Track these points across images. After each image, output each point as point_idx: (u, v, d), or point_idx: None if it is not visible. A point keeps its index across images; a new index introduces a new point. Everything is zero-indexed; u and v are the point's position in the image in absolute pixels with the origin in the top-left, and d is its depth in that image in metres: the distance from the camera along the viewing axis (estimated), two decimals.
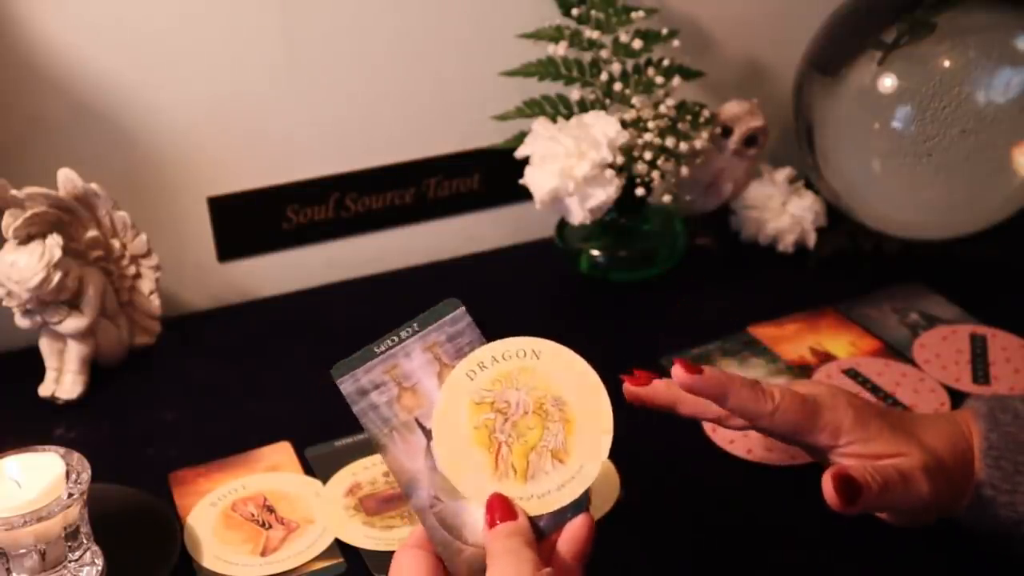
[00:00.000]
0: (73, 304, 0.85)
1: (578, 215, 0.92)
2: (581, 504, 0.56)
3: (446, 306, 0.60)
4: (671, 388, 0.64)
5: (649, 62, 0.96)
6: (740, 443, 0.78)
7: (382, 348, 0.59)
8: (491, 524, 0.55)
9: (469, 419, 0.57)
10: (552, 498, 0.56)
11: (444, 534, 0.56)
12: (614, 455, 0.71)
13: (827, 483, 0.59)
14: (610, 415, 0.57)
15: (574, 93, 0.96)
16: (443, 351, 0.59)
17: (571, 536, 0.55)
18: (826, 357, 0.88)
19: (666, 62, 0.96)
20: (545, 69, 0.96)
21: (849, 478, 0.58)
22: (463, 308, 0.60)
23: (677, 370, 0.61)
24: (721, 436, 0.79)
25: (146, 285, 0.91)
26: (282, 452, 0.80)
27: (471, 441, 0.57)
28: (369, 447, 0.79)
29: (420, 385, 0.58)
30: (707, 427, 0.80)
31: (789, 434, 0.63)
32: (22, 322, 0.84)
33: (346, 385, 0.59)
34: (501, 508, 0.55)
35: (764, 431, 0.63)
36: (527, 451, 0.57)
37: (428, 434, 0.57)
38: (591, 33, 0.95)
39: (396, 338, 0.59)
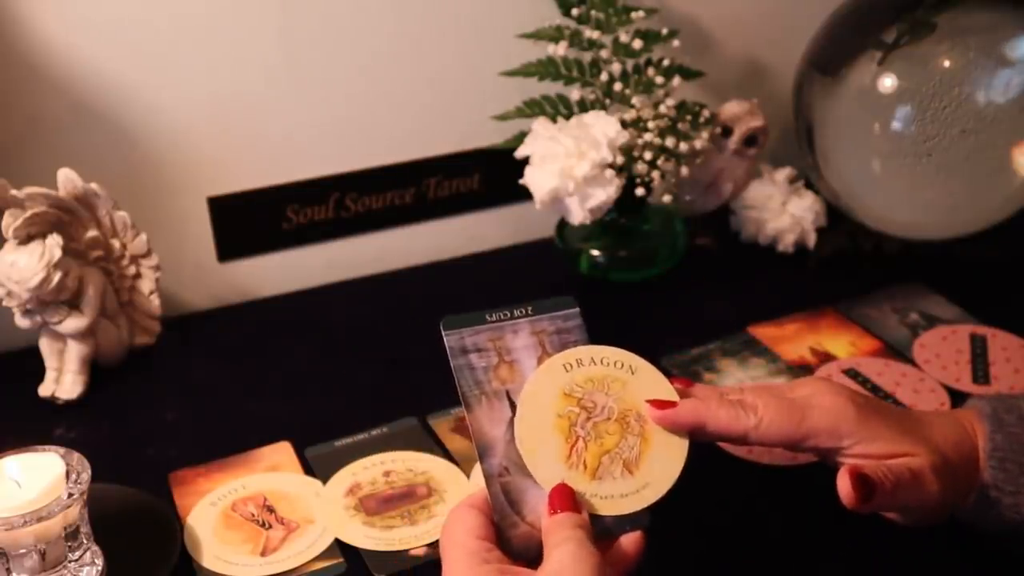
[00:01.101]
0: (73, 304, 0.85)
1: (578, 215, 0.92)
2: (640, 521, 0.57)
3: (563, 301, 0.62)
4: (692, 409, 0.61)
5: (649, 62, 0.96)
6: None
7: (493, 318, 0.61)
8: (553, 511, 0.55)
9: (555, 406, 0.59)
10: (613, 503, 0.57)
11: (505, 504, 0.57)
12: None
13: (843, 480, 0.59)
14: (686, 447, 0.59)
15: (574, 93, 0.96)
16: (548, 340, 0.61)
17: (623, 549, 0.56)
18: (826, 357, 0.88)
19: (666, 62, 0.96)
20: (545, 69, 0.96)
21: (864, 476, 0.58)
22: (578, 309, 0.62)
23: (651, 409, 0.60)
24: None
25: (146, 285, 0.91)
26: (282, 452, 0.80)
27: (552, 427, 0.58)
28: (369, 447, 0.80)
29: (519, 363, 0.60)
30: None
31: (783, 444, 0.62)
32: (22, 322, 0.84)
33: (451, 339, 0.60)
34: (566, 498, 0.56)
35: (759, 445, 0.62)
36: (601, 452, 0.58)
37: (515, 408, 0.59)
38: (591, 33, 0.95)
39: (508, 313, 0.62)
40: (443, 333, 0.60)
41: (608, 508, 0.57)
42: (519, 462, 0.58)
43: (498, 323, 0.61)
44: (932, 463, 0.61)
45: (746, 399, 0.61)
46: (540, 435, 0.58)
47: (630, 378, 0.61)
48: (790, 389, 0.64)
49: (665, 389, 0.61)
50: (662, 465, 0.59)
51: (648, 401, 0.60)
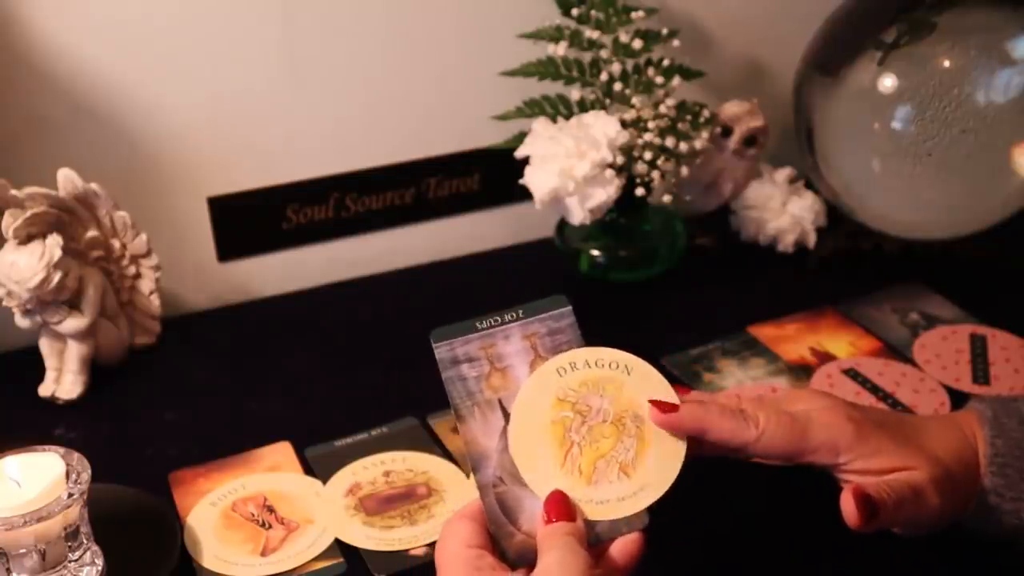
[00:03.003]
0: (73, 304, 0.85)
1: (578, 215, 0.92)
2: (637, 523, 0.57)
3: (553, 301, 0.61)
4: (695, 414, 0.60)
5: (649, 62, 0.96)
6: None
7: (484, 325, 0.60)
8: (548, 519, 0.55)
9: (549, 412, 0.58)
10: (609, 508, 0.57)
11: (500, 515, 0.57)
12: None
13: (848, 502, 0.58)
14: (684, 448, 0.58)
15: (574, 93, 0.96)
16: (541, 343, 0.60)
17: (620, 551, 0.56)
18: (826, 357, 0.88)
19: (666, 62, 0.96)
20: (545, 69, 0.96)
21: (868, 496, 0.58)
22: (570, 307, 0.61)
23: (652, 411, 0.59)
24: None
25: (146, 285, 0.91)
26: (282, 452, 0.80)
27: (546, 433, 0.58)
28: (369, 447, 0.80)
29: (511, 370, 0.59)
30: None
31: (781, 458, 0.61)
32: (22, 322, 0.84)
33: (441, 351, 0.59)
34: (561, 506, 0.56)
35: (755, 458, 0.61)
36: (596, 457, 0.58)
37: (508, 417, 0.58)
38: (591, 33, 0.95)
39: (498, 319, 0.60)
40: (433, 345, 0.60)
41: (605, 513, 0.57)
42: (514, 472, 0.57)
43: (488, 330, 0.60)
44: (932, 476, 0.60)
45: (747, 410, 0.60)
46: (534, 443, 0.58)
47: (626, 379, 0.60)
48: (788, 401, 0.62)
49: (664, 389, 0.60)
50: (659, 466, 0.58)
51: (651, 401, 0.59)
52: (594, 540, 0.56)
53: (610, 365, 0.60)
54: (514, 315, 0.61)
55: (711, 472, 0.77)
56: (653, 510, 0.57)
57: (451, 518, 0.57)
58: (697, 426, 0.59)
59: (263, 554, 0.71)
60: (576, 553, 0.53)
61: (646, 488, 0.57)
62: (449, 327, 0.60)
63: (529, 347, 0.60)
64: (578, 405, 0.59)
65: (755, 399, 0.63)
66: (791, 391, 0.65)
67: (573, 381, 0.59)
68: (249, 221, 0.99)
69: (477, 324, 0.60)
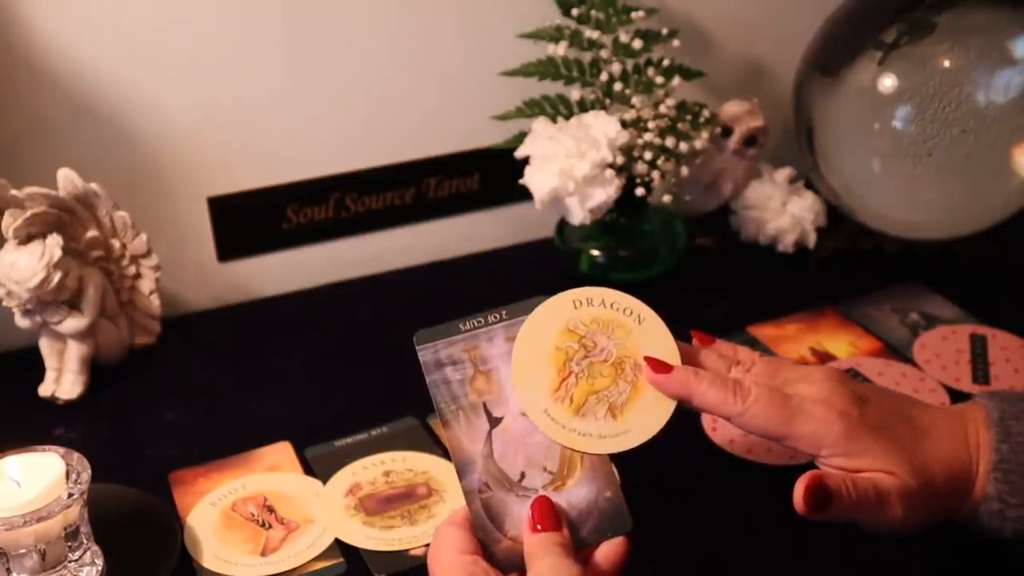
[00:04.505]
0: (73, 304, 0.85)
1: (578, 215, 0.92)
2: (623, 527, 0.57)
3: (537, 302, 0.61)
4: (684, 380, 0.61)
5: (649, 62, 0.96)
6: (740, 443, 0.78)
7: (467, 327, 0.60)
8: (533, 527, 0.56)
9: (556, 338, 0.60)
10: (590, 442, 0.58)
11: (486, 521, 0.57)
12: (613, 454, 0.71)
13: (799, 487, 0.58)
14: (673, 406, 0.59)
15: (574, 93, 0.96)
16: None
17: (607, 554, 0.56)
18: (826, 357, 0.88)
19: (666, 62, 0.96)
20: (545, 69, 0.96)
21: (823, 487, 0.58)
22: None
23: (645, 368, 0.60)
24: (721, 436, 0.79)
25: (146, 285, 0.91)
26: (282, 452, 0.80)
27: (548, 357, 0.59)
28: (369, 447, 0.80)
29: (495, 372, 0.59)
30: (707, 427, 0.80)
31: (763, 436, 0.61)
32: (22, 322, 0.84)
33: (425, 354, 0.59)
34: (546, 514, 0.56)
35: (741, 428, 0.61)
36: (590, 392, 0.59)
37: (492, 421, 0.58)
38: (591, 33, 0.95)
39: (482, 320, 0.60)
40: (417, 347, 0.59)
41: (586, 446, 0.58)
42: (499, 477, 0.57)
43: (472, 331, 0.60)
44: (905, 488, 0.59)
45: (743, 382, 0.60)
46: (534, 363, 0.59)
47: (636, 327, 0.61)
48: (795, 381, 0.62)
49: (668, 348, 0.61)
50: (646, 417, 0.59)
51: (646, 358, 0.60)
52: (579, 544, 0.56)
53: (624, 311, 0.61)
54: (497, 316, 0.60)
55: (711, 470, 0.77)
56: (638, 521, 0.57)
57: (440, 526, 0.57)
58: (683, 392, 0.59)
59: (263, 554, 0.71)
60: (566, 561, 0.53)
61: (629, 433, 0.58)
62: (433, 329, 0.60)
63: (512, 349, 0.60)
64: (584, 339, 0.60)
65: (768, 367, 0.63)
66: (808, 370, 0.63)
67: (585, 316, 0.60)
68: (249, 221, 0.99)
69: (461, 326, 0.60)
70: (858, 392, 0.62)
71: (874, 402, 0.62)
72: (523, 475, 0.58)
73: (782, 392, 0.61)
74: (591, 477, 0.58)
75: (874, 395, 0.63)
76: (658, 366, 0.60)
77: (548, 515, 0.56)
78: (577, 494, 0.57)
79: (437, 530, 0.57)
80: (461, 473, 0.58)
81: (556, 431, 0.58)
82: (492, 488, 0.57)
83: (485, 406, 0.59)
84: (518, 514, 0.57)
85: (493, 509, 0.57)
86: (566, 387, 0.59)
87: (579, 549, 0.56)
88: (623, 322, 0.61)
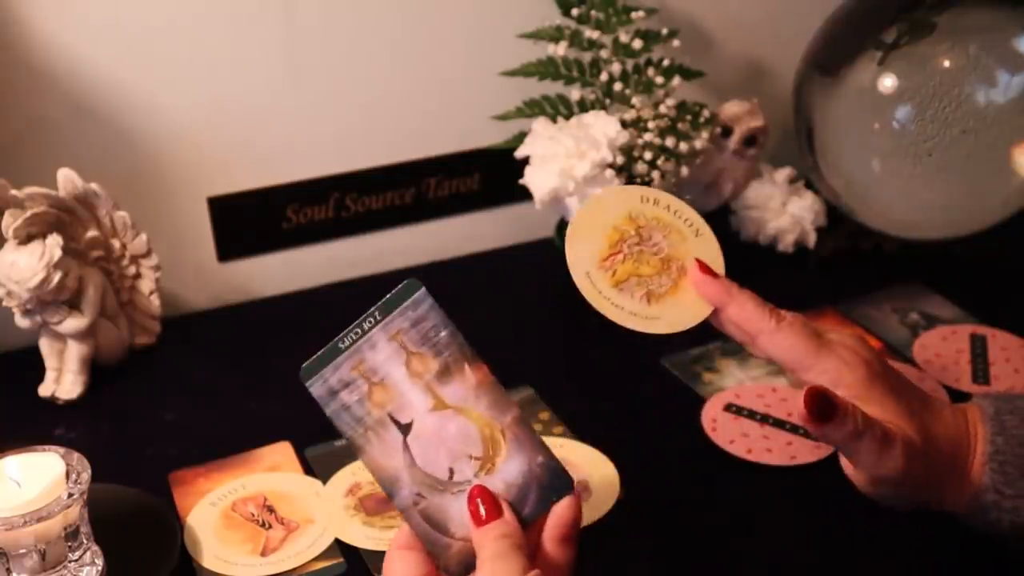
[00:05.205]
0: (73, 304, 0.85)
1: None
2: (566, 487, 0.56)
3: (407, 289, 0.59)
4: (726, 287, 0.64)
5: (649, 62, 0.96)
6: (740, 443, 0.78)
7: (347, 343, 0.58)
8: (475, 517, 0.55)
9: (616, 219, 0.63)
10: (621, 314, 0.62)
11: (431, 531, 0.56)
12: (614, 454, 0.71)
13: (804, 393, 0.59)
14: (705, 314, 0.63)
15: (574, 93, 0.96)
16: (407, 338, 0.58)
17: (557, 519, 0.55)
18: None
19: (666, 62, 0.96)
20: (545, 69, 0.96)
21: (830, 396, 0.58)
22: (423, 289, 0.59)
23: (693, 268, 0.63)
24: (721, 436, 0.79)
25: (146, 285, 0.91)
26: (282, 452, 0.80)
27: (604, 232, 0.63)
28: None
29: (389, 378, 0.57)
30: (707, 427, 0.80)
31: (786, 363, 0.63)
32: (22, 322, 0.84)
33: (316, 388, 0.57)
34: (486, 502, 0.55)
35: (765, 354, 0.63)
36: (633, 273, 0.63)
37: (403, 429, 0.57)
38: (591, 33, 0.95)
39: (360, 330, 0.58)
40: (306, 384, 0.57)
41: (615, 315, 0.61)
42: (428, 482, 0.56)
43: (354, 345, 0.58)
44: (909, 440, 0.60)
45: (782, 311, 0.63)
46: (590, 232, 0.62)
47: (692, 238, 0.64)
48: (828, 331, 0.64)
49: (717, 265, 0.64)
50: (678, 313, 0.62)
51: (696, 260, 0.63)
52: (528, 519, 0.55)
53: (685, 221, 0.64)
54: (373, 319, 0.58)
55: (710, 470, 0.77)
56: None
57: (388, 553, 0.56)
58: (723, 298, 0.63)
59: (263, 554, 0.71)
60: (510, 559, 0.52)
61: (659, 320, 0.62)
62: (315, 359, 0.58)
63: (398, 347, 0.58)
64: (642, 230, 0.63)
65: (800, 317, 0.64)
66: (842, 330, 0.67)
67: (649, 212, 0.64)
68: (249, 221, 0.99)
69: (340, 345, 0.58)
70: (882, 359, 0.64)
71: (894, 372, 0.65)
72: (451, 471, 0.56)
73: (816, 328, 0.63)
74: (518, 448, 0.56)
75: (895, 368, 0.65)
76: (706, 268, 0.63)
77: (487, 503, 0.55)
78: (510, 470, 0.56)
79: (387, 559, 0.56)
80: (390, 493, 0.56)
81: (592, 294, 0.61)
82: (426, 496, 0.56)
83: (391, 416, 0.57)
84: (459, 512, 0.56)
85: (433, 517, 0.56)
86: (613, 261, 0.62)
87: (531, 523, 0.55)
88: (681, 228, 0.64)
